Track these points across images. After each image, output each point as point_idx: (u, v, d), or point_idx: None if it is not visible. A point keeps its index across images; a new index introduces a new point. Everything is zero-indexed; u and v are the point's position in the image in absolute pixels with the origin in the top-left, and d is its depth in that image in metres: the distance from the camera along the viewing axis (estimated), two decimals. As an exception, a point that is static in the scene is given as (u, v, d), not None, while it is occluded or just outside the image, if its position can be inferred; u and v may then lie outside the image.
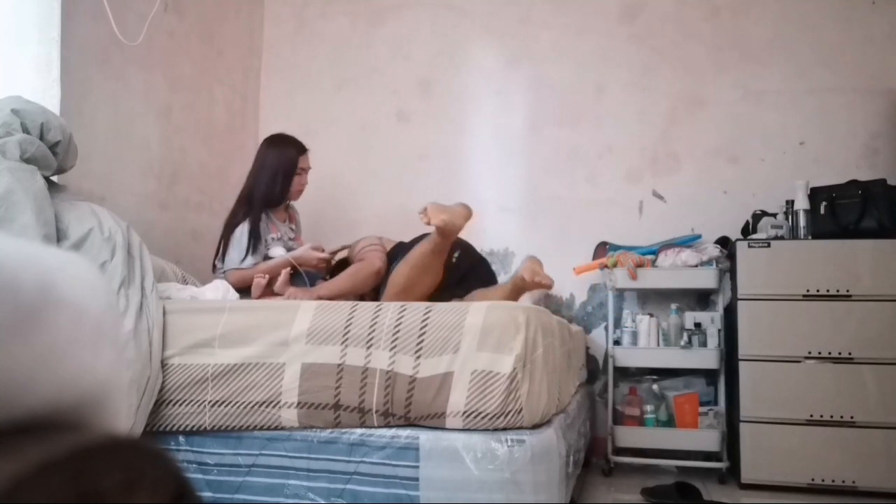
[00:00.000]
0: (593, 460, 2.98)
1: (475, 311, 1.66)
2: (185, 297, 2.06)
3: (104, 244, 1.81)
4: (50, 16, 2.17)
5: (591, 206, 3.31)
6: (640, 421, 2.90)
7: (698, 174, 3.23)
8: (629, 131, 3.31)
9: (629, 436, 2.87)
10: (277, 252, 2.60)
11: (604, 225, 3.25)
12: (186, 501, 0.36)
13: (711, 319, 2.91)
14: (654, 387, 2.98)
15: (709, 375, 2.95)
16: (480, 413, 1.56)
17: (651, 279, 2.90)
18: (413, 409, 1.61)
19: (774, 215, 2.88)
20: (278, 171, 2.66)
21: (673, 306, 2.95)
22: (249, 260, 2.54)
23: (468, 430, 1.58)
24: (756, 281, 2.68)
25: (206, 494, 1.71)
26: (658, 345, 2.90)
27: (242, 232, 2.57)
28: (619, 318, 3.01)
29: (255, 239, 2.57)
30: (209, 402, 1.74)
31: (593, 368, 3.16)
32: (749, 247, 2.71)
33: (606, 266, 2.95)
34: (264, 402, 1.71)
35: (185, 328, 1.81)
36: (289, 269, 2.49)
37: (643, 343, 2.92)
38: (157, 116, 2.79)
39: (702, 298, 3.11)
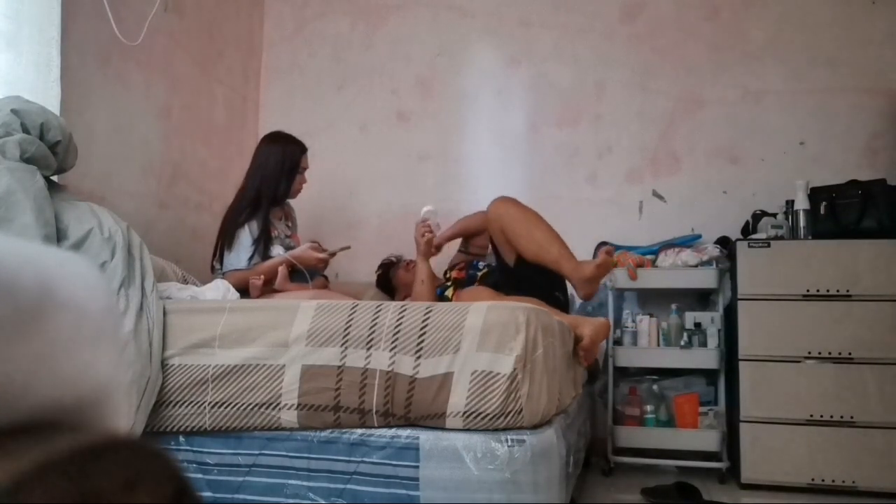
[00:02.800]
0: (593, 460, 2.98)
1: (475, 312, 1.66)
2: (185, 297, 2.05)
3: (104, 244, 1.81)
4: (50, 16, 2.17)
5: (591, 206, 3.31)
6: (640, 421, 2.90)
7: (698, 174, 3.23)
8: (629, 131, 3.31)
9: (629, 436, 2.87)
10: (276, 251, 2.60)
11: (604, 225, 3.25)
12: (186, 501, 0.36)
13: (711, 319, 2.91)
14: (654, 387, 2.98)
15: (709, 375, 2.95)
16: (481, 413, 1.56)
17: (651, 279, 2.90)
18: (413, 409, 1.61)
19: (774, 215, 2.88)
20: (282, 169, 2.65)
21: (673, 306, 2.95)
22: (257, 259, 2.54)
23: (468, 430, 1.58)
24: (756, 281, 2.68)
25: (206, 494, 1.71)
26: (658, 345, 2.90)
27: (247, 233, 2.56)
28: (619, 319, 3.01)
29: (265, 239, 2.57)
30: (209, 404, 1.74)
31: (593, 368, 3.15)
32: (749, 247, 2.71)
33: (606, 266, 2.94)
34: (264, 404, 1.70)
35: (185, 328, 1.81)
36: (286, 266, 2.50)
37: (643, 343, 2.92)
38: (157, 116, 2.79)
39: (702, 298, 3.10)
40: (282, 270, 2.46)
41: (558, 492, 1.60)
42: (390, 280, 3.06)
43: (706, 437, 2.79)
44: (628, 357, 2.93)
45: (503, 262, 2.65)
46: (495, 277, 2.70)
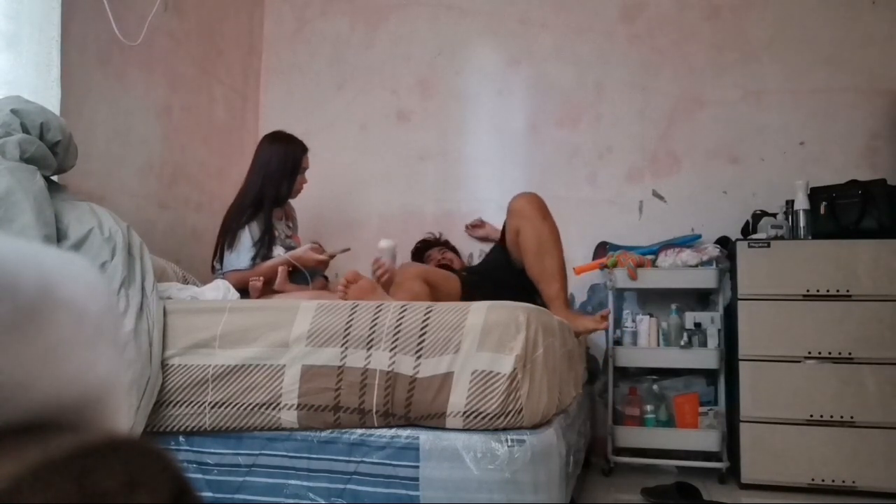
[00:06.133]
0: (593, 460, 2.98)
1: (476, 311, 1.66)
2: (185, 297, 2.05)
3: (104, 244, 1.81)
4: (50, 16, 2.17)
5: (591, 206, 3.31)
6: (640, 421, 2.90)
7: (698, 174, 3.23)
8: (629, 131, 3.31)
9: (629, 436, 2.87)
10: (277, 251, 2.60)
11: (604, 225, 3.25)
12: (186, 501, 0.36)
13: (711, 319, 2.91)
14: (654, 387, 2.98)
15: (709, 375, 2.95)
16: (481, 413, 1.56)
17: (651, 279, 2.90)
18: (413, 409, 1.61)
19: (774, 215, 2.88)
20: (284, 169, 2.65)
21: (673, 306, 2.95)
22: (258, 260, 2.54)
23: (468, 430, 1.58)
24: (756, 281, 2.68)
25: (206, 494, 1.71)
26: (658, 345, 2.90)
27: (249, 233, 2.56)
28: (619, 318, 3.01)
29: (269, 240, 2.57)
30: (209, 404, 1.74)
31: (593, 368, 3.16)
32: (749, 247, 2.71)
33: (606, 266, 2.94)
34: (264, 404, 1.70)
35: (185, 328, 1.81)
36: (286, 266, 2.49)
37: (643, 343, 2.92)
38: (157, 116, 2.79)
39: (702, 298, 3.10)
40: (282, 271, 2.46)
41: (558, 492, 1.60)
42: (422, 258, 3.13)
43: (706, 437, 2.79)
44: (628, 357, 2.93)
45: (512, 260, 2.65)
46: (500, 274, 2.68)
